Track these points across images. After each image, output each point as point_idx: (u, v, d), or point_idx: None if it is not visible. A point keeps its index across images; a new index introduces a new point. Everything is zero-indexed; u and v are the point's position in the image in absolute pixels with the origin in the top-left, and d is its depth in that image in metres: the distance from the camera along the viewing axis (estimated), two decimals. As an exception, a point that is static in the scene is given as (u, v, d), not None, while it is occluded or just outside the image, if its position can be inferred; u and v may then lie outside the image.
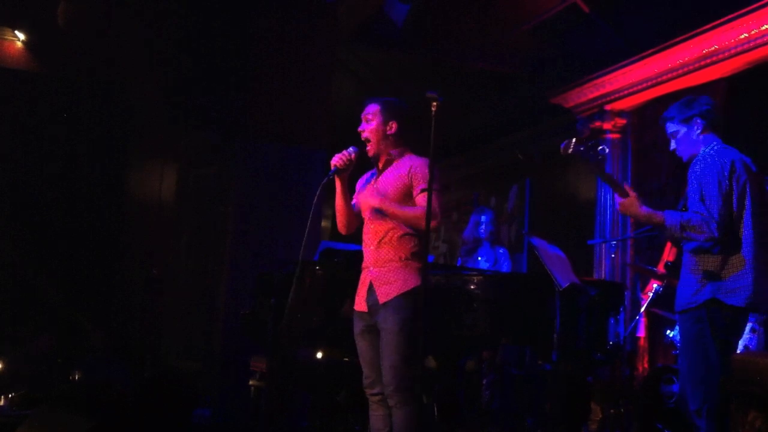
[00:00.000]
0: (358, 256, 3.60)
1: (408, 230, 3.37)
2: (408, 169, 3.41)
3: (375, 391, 3.38)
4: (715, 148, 3.44)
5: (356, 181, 3.68)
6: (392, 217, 3.36)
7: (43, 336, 6.55)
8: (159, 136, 7.55)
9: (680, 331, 3.51)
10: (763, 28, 5.54)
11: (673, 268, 5.13)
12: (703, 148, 3.45)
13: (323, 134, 6.47)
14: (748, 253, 3.29)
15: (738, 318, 3.31)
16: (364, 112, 3.52)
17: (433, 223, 3.18)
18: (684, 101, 3.58)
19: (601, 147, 3.34)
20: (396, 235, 3.38)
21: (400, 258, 3.36)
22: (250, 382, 5.05)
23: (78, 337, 6.80)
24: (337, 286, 4.33)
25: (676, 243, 3.62)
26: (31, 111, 7.03)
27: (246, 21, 6.58)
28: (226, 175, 6.72)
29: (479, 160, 9.10)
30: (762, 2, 5.43)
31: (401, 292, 3.29)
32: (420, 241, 3.36)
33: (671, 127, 3.58)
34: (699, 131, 3.49)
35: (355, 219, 3.56)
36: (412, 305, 3.26)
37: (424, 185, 3.31)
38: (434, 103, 3.25)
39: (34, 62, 7.03)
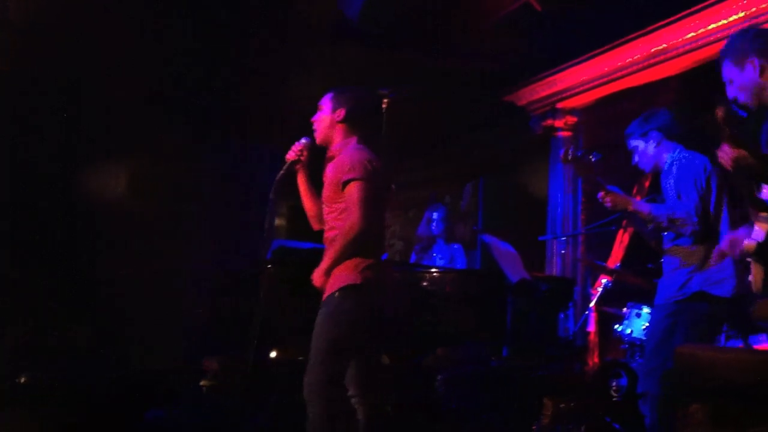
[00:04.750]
0: (313, 255, 3.56)
1: (335, 233, 3.28)
2: (341, 162, 3.29)
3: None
4: (684, 152, 3.60)
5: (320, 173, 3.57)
6: (341, 260, 3.22)
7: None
8: (126, 133, 7.42)
9: (651, 321, 3.65)
10: (710, 27, 5.65)
11: (628, 264, 5.24)
12: (668, 155, 3.59)
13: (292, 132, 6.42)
14: (725, 246, 3.40)
15: (721, 310, 3.41)
16: (320, 103, 3.47)
17: (358, 222, 3.12)
18: (642, 116, 3.77)
19: (593, 153, 3.47)
20: (332, 234, 3.31)
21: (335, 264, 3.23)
22: (202, 383, 4.99)
23: (39, 337, 6.66)
24: (289, 285, 4.30)
25: (657, 238, 3.72)
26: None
27: (214, 18, 6.51)
28: (194, 174, 6.65)
29: (435, 158, 9.13)
30: (708, 2, 5.55)
31: (333, 291, 3.22)
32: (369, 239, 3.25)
33: (631, 143, 3.75)
34: (656, 144, 3.66)
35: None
36: (344, 303, 3.18)
37: (349, 176, 3.19)
38: (385, 100, 3.28)
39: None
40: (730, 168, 2.29)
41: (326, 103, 3.43)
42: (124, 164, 7.53)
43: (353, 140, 3.36)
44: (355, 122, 3.38)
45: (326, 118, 3.40)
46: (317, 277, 3.27)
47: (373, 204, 3.20)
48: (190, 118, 6.72)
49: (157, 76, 6.76)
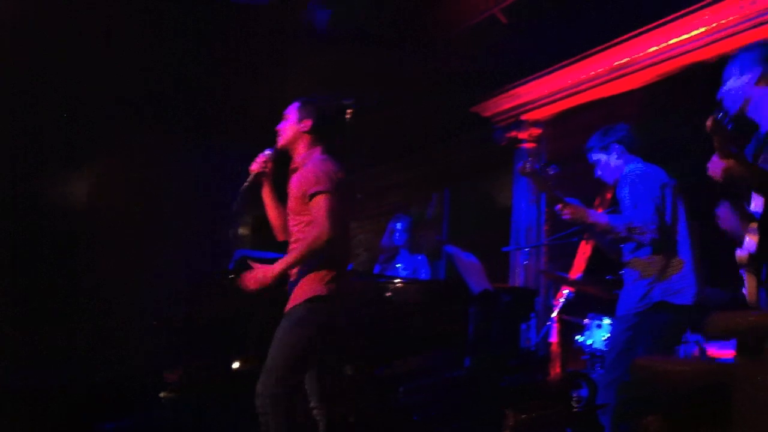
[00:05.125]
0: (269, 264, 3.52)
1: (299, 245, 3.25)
2: (306, 174, 3.27)
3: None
4: (641, 164, 3.67)
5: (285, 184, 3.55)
6: (295, 266, 3.21)
7: None
8: (94, 135, 7.31)
9: (612, 333, 3.68)
10: (672, 41, 5.74)
11: (589, 275, 5.28)
12: (628, 167, 3.64)
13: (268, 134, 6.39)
14: (685, 255, 3.49)
15: (683, 318, 3.46)
16: (286, 111, 3.46)
17: (324, 234, 3.10)
18: (601, 130, 3.83)
19: (551, 166, 3.50)
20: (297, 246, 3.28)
21: (305, 267, 3.24)
22: (162, 394, 4.92)
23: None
24: (251, 295, 4.26)
25: (616, 250, 3.75)
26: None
27: (183, 18, 6.45)
28: (164, 177, 6.56)
29: (401, 167, 9.14)
30: (670, 17, 5.64)
31: (298, 302, 3.20)
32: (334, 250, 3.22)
33: (593, 157, 3.84)
34: (617, 156, 3.73)
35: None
36: (309, 315, 3.16)
37: (315, 188, 3.18)
38: (349, 110, 3.28)
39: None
40: (720, 179, 2.32)
41: (292, 112, 3.42)
42: (91, 167, 7.43)
43: (317, 151, 3.34)
44: (320, 133, 3.37)
45: (292, 128, 3.40)
46: (267, 276, 3.20)
47: (339, 216, 3.18)
48: (160, 120, 6.65)
49: (127, 77, 6.69)
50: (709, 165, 2.35)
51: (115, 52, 6.53)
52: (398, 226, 5.58)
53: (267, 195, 3.48)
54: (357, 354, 4.26)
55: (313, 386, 3.28)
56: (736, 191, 2.47)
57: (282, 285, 3.43)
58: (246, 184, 3.40)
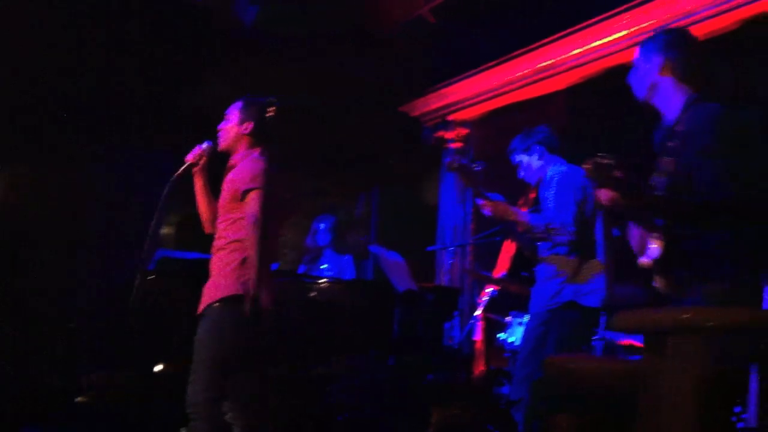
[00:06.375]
0: (197, 265, 3.48)
1: (234, 237, 3.22)
2: (241, 171, 3.27)
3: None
4: (565, 166, 3.72)
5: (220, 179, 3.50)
6: (261, 265, 3.14)
7: None
8: (10, 139, 7.05)
9: (525, 329, 3.73)
10: (594, 44, 5.86)
11: (513, 274, 5.35)
12: (551, 167, 3.69)
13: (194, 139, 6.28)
14: (599, 258, 3.55)
15: (592, 319, 3.50)
16: (227, 111, 3.44)
17: (255, 235, 3.09)
18: (523, 133, 3.87)
19: (478, 162, 3.56)
20: (221, 243, 3.26)
21: (225, 266, 3.20)
22: (78, 399, 4.79)
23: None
24: (171, 297, 4.19)
25: (532, 248, 3.80)
26: None
27: (111, 23, 6.28)
28: (87, 181, 6.37)
29: (330, 166, 9.09)
30: (592, 21, 5.75)
31: (213, 299, 3.14)
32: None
33: (516, 158, 3.90)
34: (539, 156, 3.80)
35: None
36: (226, 314, 3.11)
37: (249, 185, 3.18)
38: (271, 108, 3.28)
39: None
40: (605, 208, 2.36)
41: (234, 113, 3.41)
42: (13, 171, 7.17)
43: (256, 152, 3.34)
44: (261, 135, 3.36)
45: (233, 128, 3.39)
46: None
47: (270, 215, 3.19)
48: (85, 124, 6.47)
49: (48, 79, 6.49)
50: (597, 194, 2.39)
51: (36, 54, 6.34)
52: (321, 226, 5.54)
53: (199, 187, 3.46)
54: (281, 355, 4.22)
55: (231, 389, 3.22)
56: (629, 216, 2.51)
57: (196, 283, 3.38)
58: (178, 173, 3.37)
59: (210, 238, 3.46)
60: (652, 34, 5.19)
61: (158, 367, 4.81)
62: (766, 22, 4.93)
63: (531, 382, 3.29)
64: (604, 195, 2.34)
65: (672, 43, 2.56)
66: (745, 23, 5.05)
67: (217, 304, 3.12)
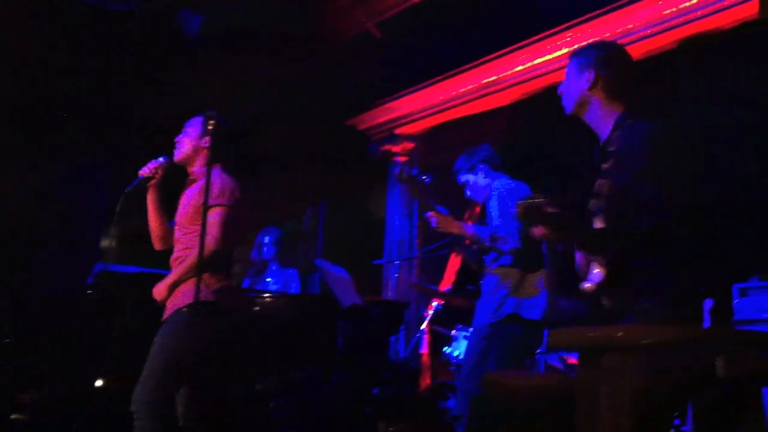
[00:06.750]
0: (138, 279, 3.44)
1: (188, 253, 3.24)
2: (200, 187, 3.27)
3: None
4: (509, 180, 3.80)
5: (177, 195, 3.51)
6: (187, 277, 3.19)
7: None
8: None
9: (468, 344, 3.75)
10: (537, 61, 5.97)
11: (458, 288, 5.38)
12: (496, 183, 3.73)
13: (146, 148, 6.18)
14: (542, 272, 3.62)
15: (534, 333, 3.55)
16: (187, 124, 3.44)
17: (214, 245, 3.12)
18: (465, 153, 3.92)
19: (426, 174, 3.62)
20: (186, 255, 3.26)
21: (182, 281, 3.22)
22: (13, 416, 4.65)
23: None
24: (109, 311, 4.10)
25: (479, 261, 3.83)
26: None
27: (62, 25, 6.15)
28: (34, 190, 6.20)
29: (277, 179, 9.04)
30: (534, 38, 5.86)
31: (182, 305, 3.15)
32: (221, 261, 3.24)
33: (461, 178, 3.94)
34: (484, 175, 3.86)
35: (170, 234, 3.42)
36: (192, 320, 3.08)
37: (214, 201, 3.19)
38: (212, 121, 3.26)
39: None
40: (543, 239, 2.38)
41: (195, 126, 3.42)
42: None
43: (218, 167, 3.33)
44: (220, 150, 3.34)
45: (192, 142, 3.40)
46: (161, 290, 3.24)
47: (232, 230, 3.23)
48: (33, 130, 6.32)
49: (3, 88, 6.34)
50: (534, 231, 2.38)
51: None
52: (266, 239, 5.50)
53: (152, 202, 3.44)
54: (226, 369, 4.17)
55: (180, 400, 3.20)
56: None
57: (144, 300, 3.35)
58: (131, 187, 3.33)
59: (158, 253, 3.44)
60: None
61: (98, 383, 4.71)
62: (703, 42, 5.09)
63: (471, 398, 3.31)
64: (538, 232, 2.32)
65: (605, 59, 2.47)
66: (682, 42, 5.20)
67: (185, 309, 3.12)
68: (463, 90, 6.48)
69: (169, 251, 3.44)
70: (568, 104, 2.52)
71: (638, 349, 1.74)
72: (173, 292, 3.23)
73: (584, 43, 5.53)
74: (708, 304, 3.42)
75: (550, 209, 2.18)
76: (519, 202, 2.21)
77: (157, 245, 3.49)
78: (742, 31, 4.80)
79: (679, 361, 1.90)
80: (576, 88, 2.48)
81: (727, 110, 4.74)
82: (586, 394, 1.81)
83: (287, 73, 7.03)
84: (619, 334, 1.75)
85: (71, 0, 6.08)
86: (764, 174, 4.34)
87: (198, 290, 2.96)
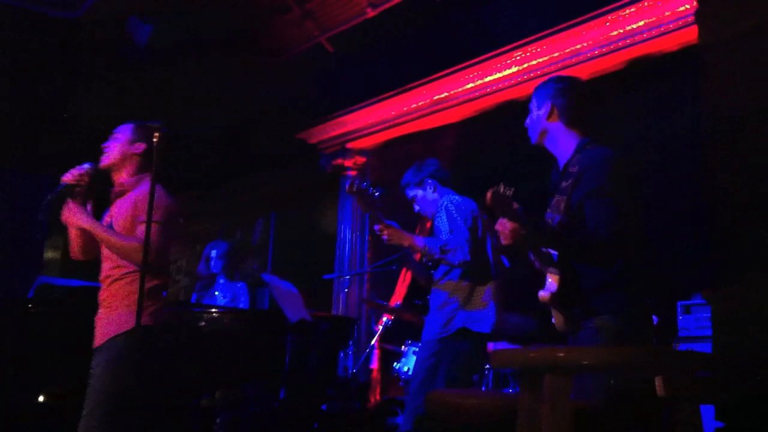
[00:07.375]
0: (78, 293, 3.33)
1: (134, 267, 3.08)
2: (134, 199, 3.15)
3: None
4: (455, 195, 3.80)
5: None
6: (103, 241, 3.10)
7: None
8: None
9: (416, 359, 3.75)
10: (487, 79, 6.03)
11: (407, 303, 5.39)
12: (444, 198, 3.75)
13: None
14: (489, 285, 3.64)
15: (483, 347, 3.57)
16: (116, 129, 3.29)
17: (150, 257, 2.95)
18: (413, 167, 3.94)
19: (377, 188, 3.58)
20: (118, 273, 3.11)
21: (125, 297, 3.06)
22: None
23: None
24: (51, 326, 4.00)
25: (427, 276, 3.84)
26: None
27: None
28: None
29: (227, 192, 8.97)
30: (484, 57, 5.92)
31: (117, 332, 3.01)
32: (153, 280, 3.08)
33: (410, 192, 3.95)
34: (432, 189, 3.86)
35: (92, 244, 3.22)
36: (130, 347, 2.93)
37: (144, 216, 3.02)
38: (157, 134, 3.16)
39: None
40: (508, 240, 2.41)
41: (124, 132, 3.27)
42: None
43: (147, 177, 3.19)
44: (150, 158, 3.16)
45: (121, 148, 3.25)
46: (85, 216, 3.11)
47: (164, 248, 3.12)
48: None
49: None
50: (497, 226, 2.44)
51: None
52: (214, 252, 5.41)
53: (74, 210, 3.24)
54: (172, 386, 4.10)
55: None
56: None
57: (79, 313, 3.24)
58: (53, 195, 3.12)
59: (91, 264, 3.32)
60: (543, 72, 5.40)
61: (40, 398, 4.59)
62: (649, 62, 5.20)
63: (415, 417, 3.30)
64: (504, 226, 2.38)
65: (560, 90, 2.66)
66: (629, 63, 5.31)
67: (121, 337, 2.99)
68: (414, 105, 6.52)
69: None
70: (533, 135, 2.71)
71: (579, 370, 1.75)
72: (105, 321, 3.07)
73: (534, 62, 5.65)
74: (653, 321, 3.49)
75: (515, 204, 2.27)
76: (490, 189, 2.26)
77: (77, 255, 3.31)
78: (685, 53, 4.92)
79: (619, 382, 1.93)
80: (537, 120, 2.68)
81: (669, 126, 4.88)
82: (527, 415, 1.82)
83: (238, 85, 6.99)
84: (560, 354, 1.76)
85: (12, 6, 5.94)
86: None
87: (139, 316, 2.79)
